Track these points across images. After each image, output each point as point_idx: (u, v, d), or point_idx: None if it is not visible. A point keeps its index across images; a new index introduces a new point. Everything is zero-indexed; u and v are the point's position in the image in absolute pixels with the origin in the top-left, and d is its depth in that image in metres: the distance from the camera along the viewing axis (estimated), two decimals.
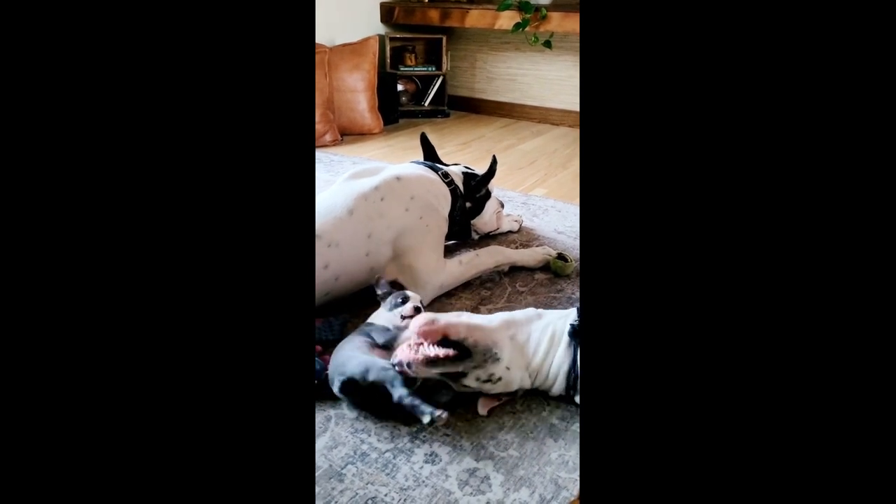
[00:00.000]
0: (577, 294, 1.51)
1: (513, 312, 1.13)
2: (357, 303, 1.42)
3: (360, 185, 1.43)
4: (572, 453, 0.99)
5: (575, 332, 1.06)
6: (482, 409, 1.07)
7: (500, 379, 1.04)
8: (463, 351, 1.00)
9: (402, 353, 0.99)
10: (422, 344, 0.99)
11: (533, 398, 1.12)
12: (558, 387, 1.08)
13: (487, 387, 1.05)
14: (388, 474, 0.94)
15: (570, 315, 1.11)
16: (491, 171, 1.72)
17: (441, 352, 0.98)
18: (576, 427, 1.06)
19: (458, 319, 1.04)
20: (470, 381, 1.03)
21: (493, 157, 1.76)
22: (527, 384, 1.08)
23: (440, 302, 1.48)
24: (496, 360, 1.03)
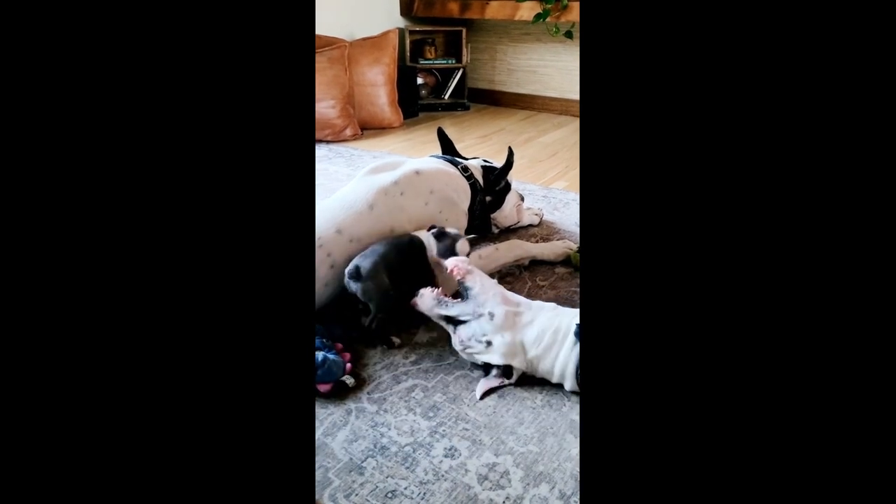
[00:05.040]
0: None
1: (531, 301, 1.19)
2: None
3: (379, 179, 1.43)
4: None
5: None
6: (479, 392, 1.11)
7: (489, 343, 1.11)
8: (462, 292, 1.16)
9: (426, 292, 1.17)
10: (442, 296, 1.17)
11: (553, 393, 1.12)
12: (569, 384, 1.10)
13: (478, 348, 1.12)
14: (407, 468, 0.95)
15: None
16: (508, 164, 1.71)
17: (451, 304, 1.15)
18: None
19: (480, 273, 1.18)
20: (464, 332, 1.13)
21: (510, 148, 1.74)
22: (521, 366, 1.12)
23: None
24: (490, 319, 1.11)
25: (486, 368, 1.15)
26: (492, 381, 1.13)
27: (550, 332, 1.11)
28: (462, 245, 1.32)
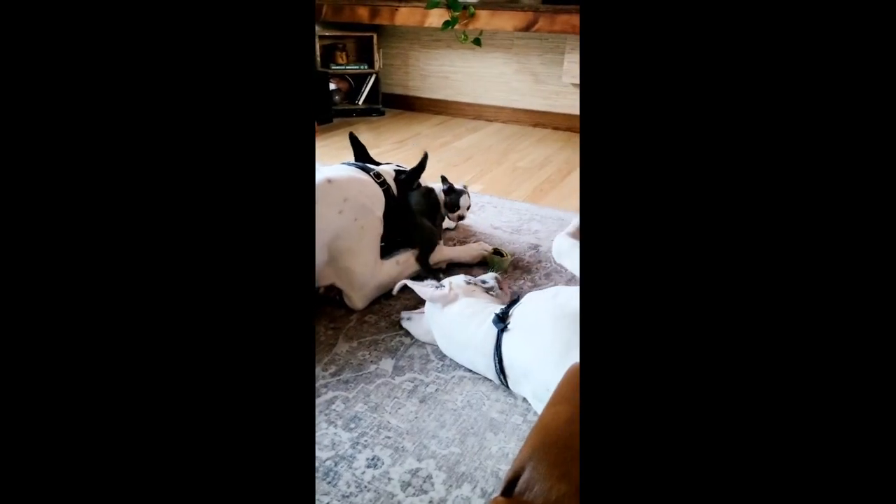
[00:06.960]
0: (520, 288, 1.54)
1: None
2: None
3: None
4: (512, 445, 1.02)
5: (499, 318, 1.15)
6: (405, 283, 1.34)
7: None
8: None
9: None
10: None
11: (472, 394, 1.14)
12: (483, 367, 1.17)
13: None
14: (329, 483, 0.93)
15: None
16: (420, 166, 1.72)
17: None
18: (515, 419, 1.08)
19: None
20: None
21: (425, 152, 1.76)
22: (443, 297, 1.25)
23: (379, 303, 1.48)
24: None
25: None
26: (426, 289, 1.27)
27: (479, 305, 1.21)
28: (464, 199, 1.77)
